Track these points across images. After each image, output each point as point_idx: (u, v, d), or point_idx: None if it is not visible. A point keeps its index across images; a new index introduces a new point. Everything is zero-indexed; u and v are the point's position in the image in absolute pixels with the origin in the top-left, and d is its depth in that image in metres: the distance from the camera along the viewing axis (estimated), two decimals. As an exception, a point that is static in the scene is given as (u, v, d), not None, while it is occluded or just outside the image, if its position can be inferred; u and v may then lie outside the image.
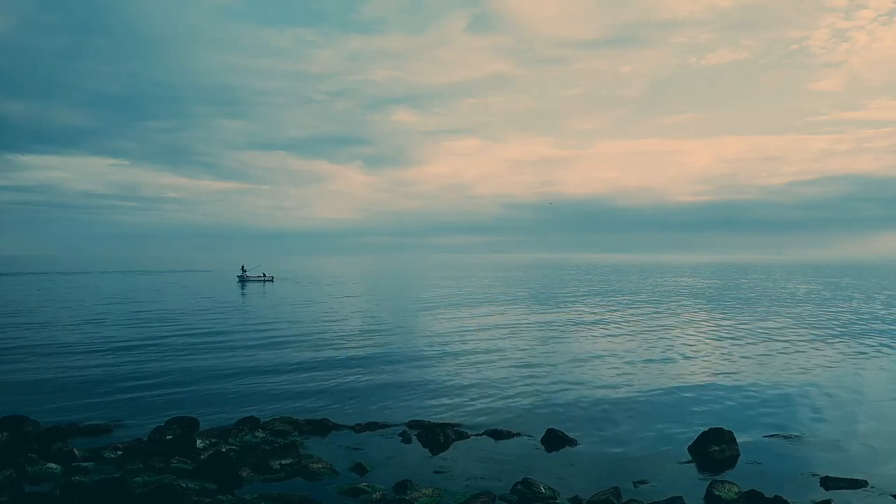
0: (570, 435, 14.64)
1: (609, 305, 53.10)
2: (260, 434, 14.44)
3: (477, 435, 14.90)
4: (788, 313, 46.20)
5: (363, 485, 11.32)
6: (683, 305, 53.16)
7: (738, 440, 13.71)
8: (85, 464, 12.14)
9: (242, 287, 79.20)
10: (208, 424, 14.99)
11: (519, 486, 11.07)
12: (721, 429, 13.85)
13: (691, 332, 34.56)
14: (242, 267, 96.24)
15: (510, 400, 18.60)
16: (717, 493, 10.89)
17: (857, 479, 11.81)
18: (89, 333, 32.46)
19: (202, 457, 12.49)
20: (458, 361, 24.90)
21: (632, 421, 16.36)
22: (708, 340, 31.38)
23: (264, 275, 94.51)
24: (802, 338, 32.40)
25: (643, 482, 11.84)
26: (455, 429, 15.06)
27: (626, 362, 24.91)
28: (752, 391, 19.89)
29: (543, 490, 10.98)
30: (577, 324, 38.94)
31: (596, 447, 14.13)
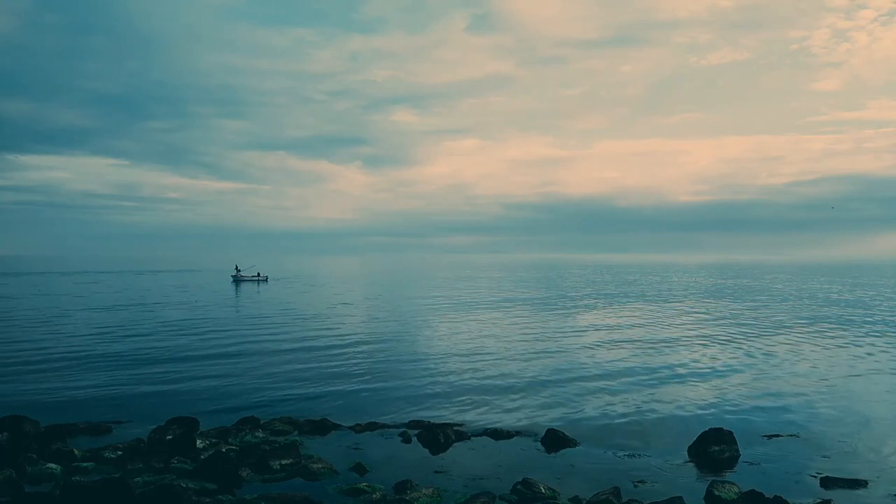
0: (570, 435, 14.63)
1: (610, 305, 53.10)
2: (260, 434, 14.44)
3: (477, 435, 14.90)
4: (789, 313, 46.18)
5: (363, 485, 11.31)
6: (684, 305, 53.15)
7: (738, 440, 13.71)
8: (85, 464, 12.14)
9: (237, 287, 79.16)
10: (208, 424, 14.98)
11: (519, 486, 11.07)
12: (721, 429, 13.85)
13: (691, 332, 34.55)
14: (236, 267, 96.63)
15: (510, 400, 18.60)
16: (717, 493, 10.88)
17: (857, 479, 11.82)
18: (88, 333, 32.44)
19: (202, 457, 12.49)
20: (459, 361, 24.90)
21: (632, 421, 16.36)
22: (708, 340, 31.37)
23: (259, 274, 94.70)
24: (803, 337, 32.40)
25: (643, 482, 11.84)
26: (455, 429, 15.05)
27: (626, 362, 24.90)
28: (753, 391, 19.87)
29: (543, 490, 10.98)
30: (578, 324, 38.93)
31: (596, 447, 14.12)
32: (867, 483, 11.73)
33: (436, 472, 12.32)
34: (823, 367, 24.24)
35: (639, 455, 13.54)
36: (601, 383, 20.94)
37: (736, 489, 11.01)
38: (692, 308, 50.60)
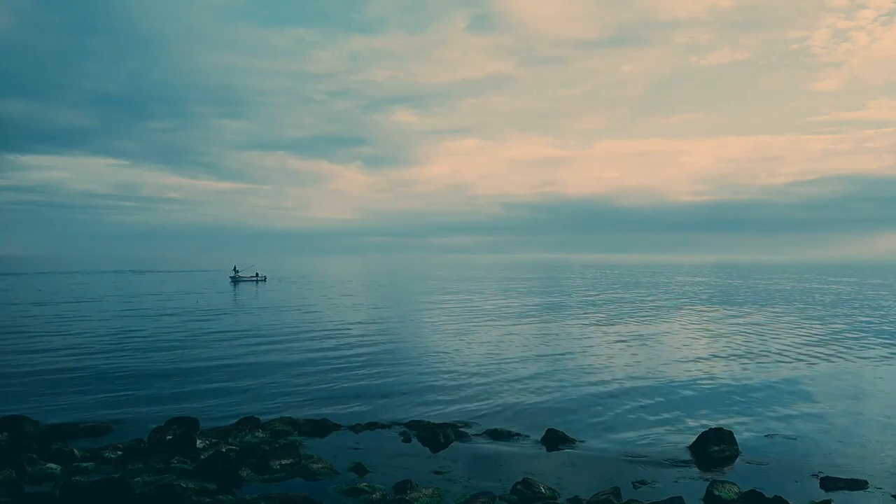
0: (570, 435, 14.64)
1: (610, 305, 53.07)
2: (260, 434, 14.43)
3: (477, 435, 14.89)
4: (789, 313, 46.17)
5: (363, 485, 11.31)
6: (684, 306, 53.13)
7: (738, 440, 13.72)
8: (85, 464, 12.14)
9: (235, 287, 79.14)
10: (208, 424, 14.98)
11: (519, 486, 11.06)
12: (721, 429, 13.86)
13: (691, 333, 34.55)
14: (235, 267, 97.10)
15: (510, 400, 18.60)
16: (717, 493, 10.88)
17: (857, 479, 11.82)
18: (89, 333, 32.44)
19: (202, 457, 12.48)
20: (459, 361, 24.89)
21: (632, 421, 16.36)
22: (708, 340, 31.37)
23: (257, 274, 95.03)
24: (804, 337, 32.39)
25: (643, 482, 11.84)
26: (455, 429, 15.05)
27: (626, 363, 24.90)
28: (753, 391, 19.87)
29: (543, 490, 10.98)
30: (578, 324, 38.92)
31: (596, 447, 14.12)
32: (867, 483, 11.72)
33: (436, 472, 12.32)
34: (824, 367, 24.23)
35: (639, 455, 13.53)
36: (601, 383, 20.92)
37: (736, 489, 11.01)
38: (692, 309, 50.58)
